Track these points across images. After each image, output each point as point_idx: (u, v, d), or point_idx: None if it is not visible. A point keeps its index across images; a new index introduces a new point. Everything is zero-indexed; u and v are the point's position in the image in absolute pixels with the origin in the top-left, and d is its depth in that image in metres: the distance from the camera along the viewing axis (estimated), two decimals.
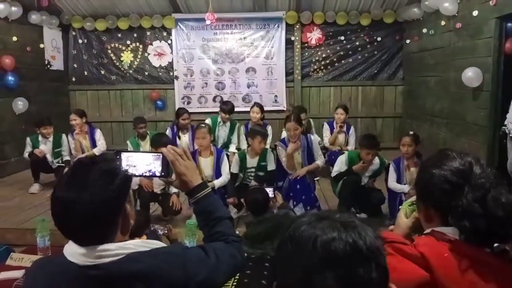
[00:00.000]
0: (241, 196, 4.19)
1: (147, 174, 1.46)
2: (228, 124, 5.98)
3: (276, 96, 7.94)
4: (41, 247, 2.75)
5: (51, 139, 5.65)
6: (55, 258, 1.30)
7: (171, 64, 7.98)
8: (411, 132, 4.47)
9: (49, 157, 5.60)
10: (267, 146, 4.92)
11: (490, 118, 4.81)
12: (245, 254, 1.65)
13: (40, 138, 5.62)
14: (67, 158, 5.76)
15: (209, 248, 1.32)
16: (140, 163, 1.44)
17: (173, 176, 1.47)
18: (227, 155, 4.99)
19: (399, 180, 4.24)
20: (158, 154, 1.44)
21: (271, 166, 4.55)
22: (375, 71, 7.94)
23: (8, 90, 6.36)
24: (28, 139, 5.63)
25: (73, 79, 8.12)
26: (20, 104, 6.40)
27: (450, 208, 1.14)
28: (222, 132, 5.99)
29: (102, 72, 8.08)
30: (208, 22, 5.91)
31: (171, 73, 7.98)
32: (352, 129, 6.21)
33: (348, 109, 6.24)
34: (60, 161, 5.70)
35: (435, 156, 1.29)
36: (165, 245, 1.34)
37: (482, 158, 1.28)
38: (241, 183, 4.57)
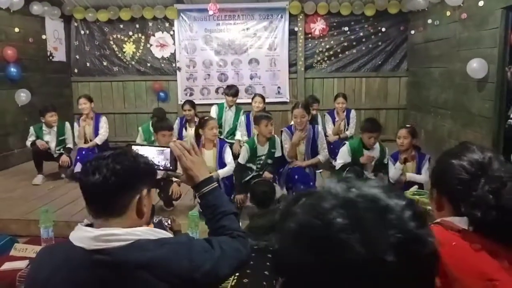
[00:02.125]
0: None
1: (155, 167, 1.47)
2: (233, 109, 6.03)
3: (279, 87, 7.90)
4: (44, 238, 2.76)
5: (55, 128, 5.63)
6: (60, 245, 1.34)
7: (173, 55, 7.94)
8: (408, 125, 4.46)
9: (52, 146, 5.61)
10: None
11: (495, 110, 4.77)
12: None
13: (44, 127, 5.61)
14: (70, 145, 5.78)
15: (214, 241, 1.34)
16: (148, 156, 1.46)
17: (180, 170, 1.48)
18: (232, 144, 4.99)
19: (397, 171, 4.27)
20: (166, 148, 1.48)
21: (279, 152, 4.53)
22: (379, 62, 7.88)
23: (10, 81, 6.35)
24: (31, 129, 5.62)
25: (76, 70, 8.10)
26: (23, 96, 6.39)
27: (463, 198, 1.14)
28: (228, 117, 6.05)
29: (105, 63, 8.05)
30: (210, 12, 5.87)
31: (174, 65, 7.95)
32: (352, 112, 6.24)
33: (347, 96, 6.33)
34: (62, 149, 5.70)
35: (456, 147, 1.31)
36: (171, 235, 1.35)
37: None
38: (252, 177, 4.41)
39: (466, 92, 5.39)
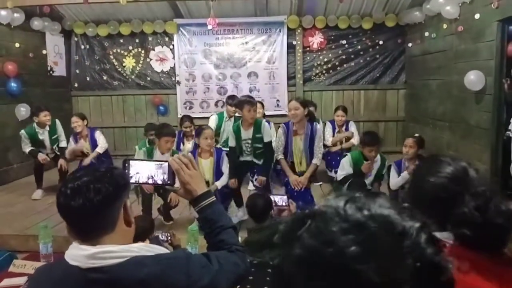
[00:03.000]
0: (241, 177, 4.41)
1: (153, 181, 1.49)
2: (233, 120, 5.99)
3: (278, 100, 7.94)
4: (43, 253, 2.75)
5: (47, 128, 5.66)
6: (56, 264, 1.32)
7: (173, 69, 8.00)
8: (417, 135, 4.48)
9: (48, 145, 5.67)
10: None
11: (493, 121, 4.79)
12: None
13: (37, 128, 5.60)
14: (63, 143, 5.83)
15: (212, 256, 1.34)
16: (147, 171, 1.48)
17: (177, 184, 1.48)
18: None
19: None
20: (164, 162, 1.48)
21: (267, 138, 4.48)
22: (377, 75, 7.93)
23: (11, 96, 6.38)
24: (23, 133, 5.57)
25: (76, 84, 8.15)
26: (23, 110, 6.41)
27: (446, 216, 1.14)
28: (227, 127, 5.97)
29: (104, 77, 8.10)
30: (209, 27, 5.92)
31: (173, 78, 7.99)
32: (351, 123, 6.20)
33: (347, 109, 6.30)
34: (57, 148, 5.76)
35: (427, 163, 1.30)
36: (168, 251, 1.35)
37: (485, 161, 1.30)
38: (242, 162, 4.51)
39: (464, 104, 5.41)
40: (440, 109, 6.22)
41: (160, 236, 2.90)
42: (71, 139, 5.81)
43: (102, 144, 5.76)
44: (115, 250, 1.18)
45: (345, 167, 4.45)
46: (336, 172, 5.38)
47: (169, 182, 1.48)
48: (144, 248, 1.24)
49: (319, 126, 4.62)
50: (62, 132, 5.86)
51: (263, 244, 2.84)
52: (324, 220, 0.56)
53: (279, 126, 4.63)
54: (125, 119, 8.18)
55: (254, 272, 2.66)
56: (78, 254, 1.18)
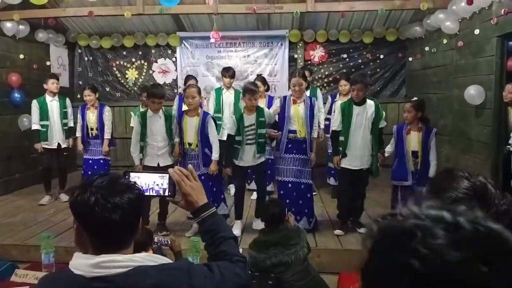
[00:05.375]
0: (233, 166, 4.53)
1: (154, 193, 1.50)
2: (232, 91, 6.14)
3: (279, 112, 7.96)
4: (45, 263, 2.76)
5: (57, 97, 5.90)
6: (61, 273, 1.33)
7: (175, 81, 8.06)
8: (414, 98, 4.51)
9: (56, 115, 5.86)
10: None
11: (493, 135, 4.82)
12: (249, 272, 1.66)
13: (47, 98, 5.83)
14: (71, 124, 6.02)
15: (213, 266, 1.34)
16: (147, 182, 1.49)
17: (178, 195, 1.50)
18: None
19: (401, 144, 4.38)
20: (165, 174, 1.48)
21: (272, 120, 4.69)
22: (378, 88, 7.98)
23: (14, 106, 6.44)
24: (34, 102, 5.79)
25: (78, 96, 8.18)
26: (25, 121, 6.45)
27: None
28: (227, 98, 6.11)
29: (107, 89, 8.16)
30: (212, 40, 5.98)
31: (175, 90, 8.04)
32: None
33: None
34: (65, 132, 5.95)
35: (444, 177, 1.22)
36: (171, 261, 1.36)
37: (486, 175, 1.24)
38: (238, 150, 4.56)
39: (464, 118, 5.45)
40: (440, 123, 6.24)
41: (161, 241, 2.90)
42: (78, 111, 5.93)
43: (108, 124, 5.85)
44: (120, 260, 1.19)
45: (336, 115, 4.60)
46: (335, 179, 5.48)
47: (169, 193, 1.49)
48: (148, 258, 1.25)
49: (317, 101, 4.93)
50: (71, 112, 6.07)
51: (271, 244, 2.88)
52: (435, 232, 0.53)
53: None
54: (126, 130, 8.20)
55: (255, 283, 2.67)
56: (83, 263, 1.19)
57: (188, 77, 6.12)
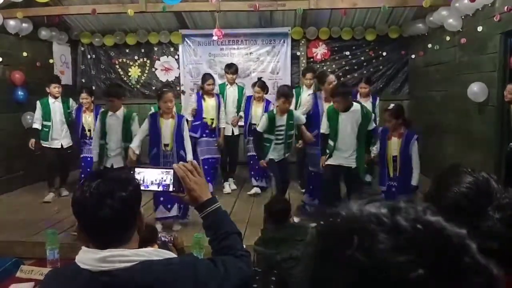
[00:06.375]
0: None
1: (159, 188, 1.51)
2: (235, 86, 6.35)
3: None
4: (50, 259, 2.78)
5: (59, 99, 5.96)
6: (67, 268, 1.34)
7: (178, 79, 8.07)
8: (391, 106, 4.53)
9: (59, 114, 5.92)
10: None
11: (496, 133, 4.82)
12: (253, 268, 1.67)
13: (50, 99, 5.93)
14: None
15: (218, 260, 1.35)
16: (152, 177, 1.50)
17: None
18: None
19: (383, 148, 4.50)
20: (169, 169, 1.49)
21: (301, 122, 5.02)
22: (381, 86, 7.96)
23: (17, 104, 6.46)
24: (38, 103, 5.89)
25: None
26: (29, 119, 6.46)
27: (469, 229, 1.12)
28: (231, 94, 6.31)
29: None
30: (215, 38, 5.99)
31: (178, 88, 8.05)
32: (378, 100, 6.28)
33: (371, 80, 6.60)
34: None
35: (449, 172, 1.25)
36: (176, 256, 1.38)
37: (489, 172, 1.26)
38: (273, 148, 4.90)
39: (467, 116, 5.44)
40: (443, 120, 6.25)
41: (163, 238, 2.92)
42: (74, 110, 6.06)
43: None
44: (125, 254, 1.20)
45: (323, 119, 4.77)
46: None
47: (174, 188, 1.50)
48: (153, 253, 1.27)
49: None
50: (75, 110, 6.13)
51: (278, 240, 2.90)
52: (370, 236, 0.50)
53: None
54: None
55: (259, 280, 2.68)
56: (89, 257, 1.20)
57: (206, 76, 6.10)
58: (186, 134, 4.68)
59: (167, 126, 4.59)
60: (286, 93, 4.81)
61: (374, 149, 4.78)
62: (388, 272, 0.47)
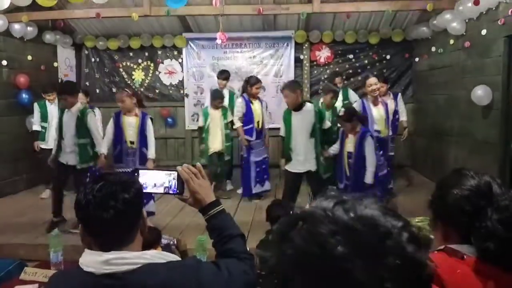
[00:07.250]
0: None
1: (162, 191, 1.51)
2: (226, 91, 6.60)
3: None
4: (54, 262, 2.77)
5: (56, 102, 6.09)
6: (71, 270, 1.34)
7: (181, 82, 8.09)
8: (341, 112, 4.59)
9: (55, 118, 5.82)
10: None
11: (500, 136, 4.80)
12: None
13: (47, 103, 6.12)
14: None
15: (221, 264, 1.35)
16: (156, 180, 1.50)
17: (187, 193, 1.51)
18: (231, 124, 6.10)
19: (340, 146, 4.60)
20: (173, 171, 1.50)
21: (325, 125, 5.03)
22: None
23: (22, 107, 6.49)
24: (35, 104, 6.08)
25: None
26: (33, 122, 6.50)
27: (469, 228, 1.14)
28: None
29: (114, 90, 8.17)
30: (219, 41, 5.99)
31: (182, 91, 8.07)
32: (399, 97, 6.42)
33: (383, 76, 6.52)
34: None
35: (451, 176, 1.29)
36: (180, 258, 1.37)
37: (493, 176, 1.29)
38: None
39: (471, 119, 5.42)
40: (447, 123, 6.23)
41: (166, 240, 2.91)
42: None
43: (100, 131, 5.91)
44: (129, 257, 1.20)
45: (282, 122, 4.96)
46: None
47: (178, 191, 1.50)
48: (157, 256, 1.26)
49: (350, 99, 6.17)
50: None
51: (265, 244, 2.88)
52: (314, 222, 0.59)
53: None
54: None
55: (262, 283, 2.68)
56: (93, 260, 1.20)
57: (253, 79, 6.07)
58: (150, 132, 4.78)
59: (130, 124, 4.73)
60: (334, 89, 5.22)
61: (331, 150, 4.78)
62: (323, 250, 0.55)
